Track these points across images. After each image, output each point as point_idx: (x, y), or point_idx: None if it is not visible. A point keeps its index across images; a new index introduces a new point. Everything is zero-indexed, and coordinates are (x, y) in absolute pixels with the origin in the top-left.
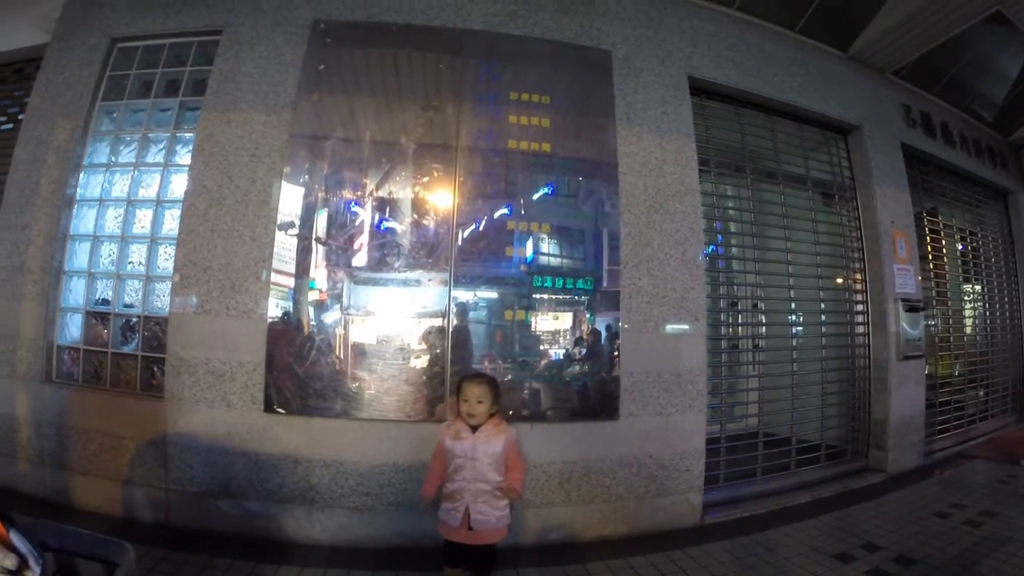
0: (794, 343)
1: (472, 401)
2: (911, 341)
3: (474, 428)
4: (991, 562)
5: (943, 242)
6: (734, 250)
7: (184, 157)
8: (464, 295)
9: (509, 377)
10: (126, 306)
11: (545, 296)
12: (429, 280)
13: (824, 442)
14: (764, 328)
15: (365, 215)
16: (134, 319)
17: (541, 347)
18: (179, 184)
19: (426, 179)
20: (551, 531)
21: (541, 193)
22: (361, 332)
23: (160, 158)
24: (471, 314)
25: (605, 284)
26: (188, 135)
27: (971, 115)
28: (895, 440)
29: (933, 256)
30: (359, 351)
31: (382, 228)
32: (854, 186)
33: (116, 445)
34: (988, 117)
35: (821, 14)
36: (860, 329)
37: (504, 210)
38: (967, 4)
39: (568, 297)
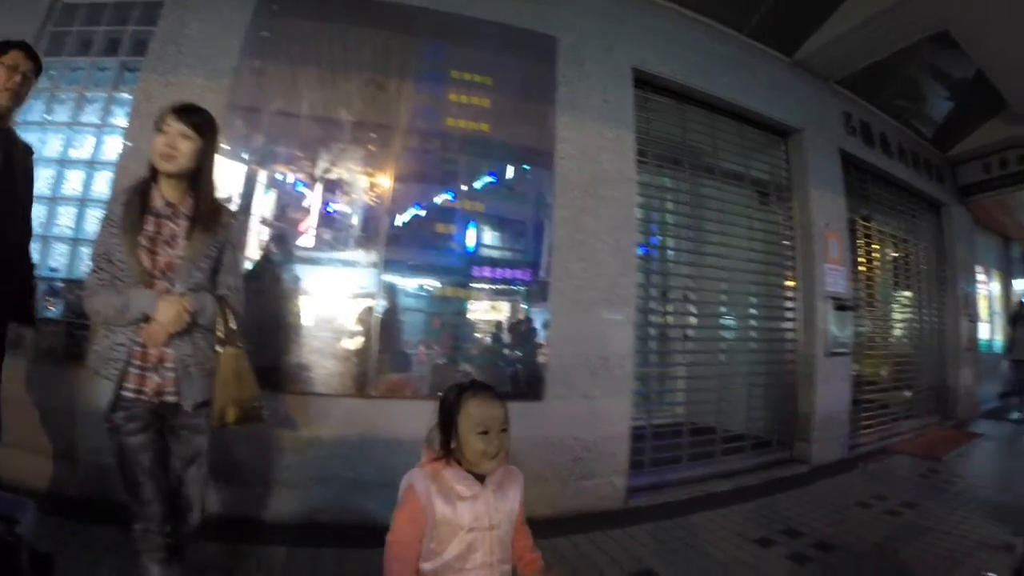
0: (723, 335)
1: (495, 431)
2: (838, 338)
3: (479, 477)
4: (911, 550)
5: (876, 248)
6: (669, 241)
7: (120, 119)
8: (395, 277)
9: (443, 361)
10: (51, 270)
11: (478, 280)
12: (360, 261)
13: (750, 432)
14: (694, 319)
15: (300, 191)
16: (59, 284)
17: (474, 331)
18: (113, 146)
19: (363, 158)
20: None
21: (477, 176)
22: (293, 309)
23: (96, 118)
24: (402, 296)
25: (538, 269)
26: (126, 96)
27: (911, 129)
28: (820, 433)
29: (866, 261)
30: (291, 327)
31: (318, 206)
32: (791, 187)
33: (44, 417)
34: (927, 133)
35: (770, 19)
36: (790, 325)
37: (439, 193)
38: (913, 20)
39: (503, 282)
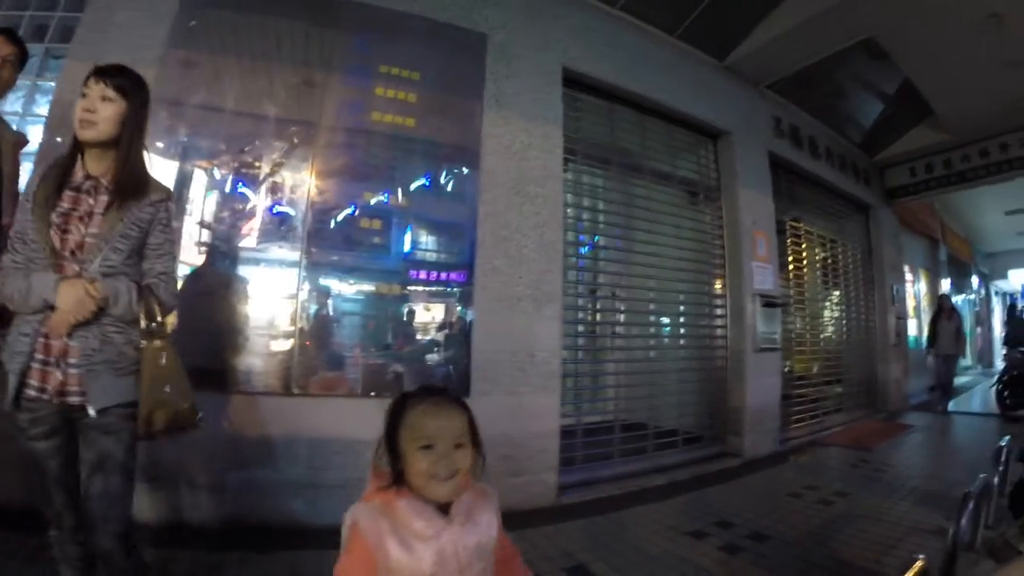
0: (653, 332)
1: (444, 445)
2: (767, 335)
3: (442, 507)
4: (843, 537)
5: (806, 248)
6: (598, 239)
7: (43, 107)
8: (317, 274)
9: (371, 361)
10: None
11: (403, 277)
12: (282, 258)
13: (681, 428)
14: (623, 316)
15: (222, 187)
16: None
17: (400, 328)
18: (35, 136)
19: (286, 153)
20: None
21: (402, 172)
22: (211, 305)
23: (18, 107)
24: (326, 294)
25: (465, 266)
26: (50, 84)
27: (840, 133)
28: (751, 427)
29: (795, 261)
30: (209, 324)
31: (239, 202)
32: (719, 187)
33: None
34: (856, 138)
35: (701, 23)
36: (719, 322)
37: (363, 189)
38: (841, 28)
39: (430, 279)
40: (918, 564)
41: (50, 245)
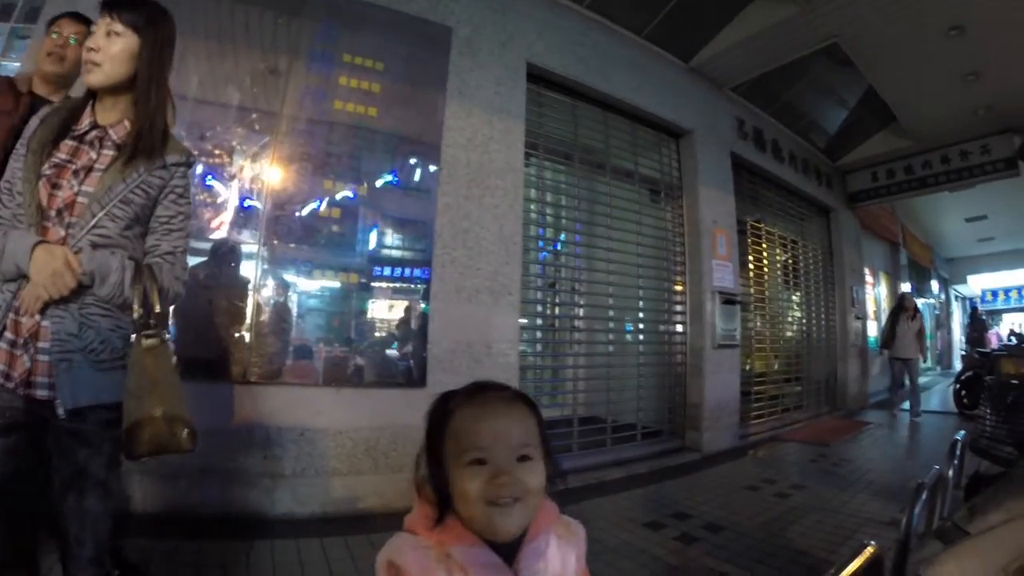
0: (612, 326)
1: (503, 456)
2: (726, 331)
3: (501, 545)
4: (798, 528)
5: (767, 248)
6: (559, 234)
7: None
8: (275, 264)
9: (327, 350)
10: None
11: (362, 266)
12: (239, 250)
13: (640, 422)
14: (583, 311)
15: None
16: None
17: (359, 317)
18: None
19: (247, 143)
20: (358, 500)
21: (362, 162)
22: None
23: None
24: (282, 284)
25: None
26: (15, 64)
27: (803, 137)
28: (710, 422)
29: (756, 261)
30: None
31: (197, 191)
32: (681, 186)
33: None
34: (819, 142)
35: (668, 24)
36: (679, 318)
37: (322, 178)
38: (804, 33)
39: (392, 272)
40: (868, 550)
41: (36, 200)
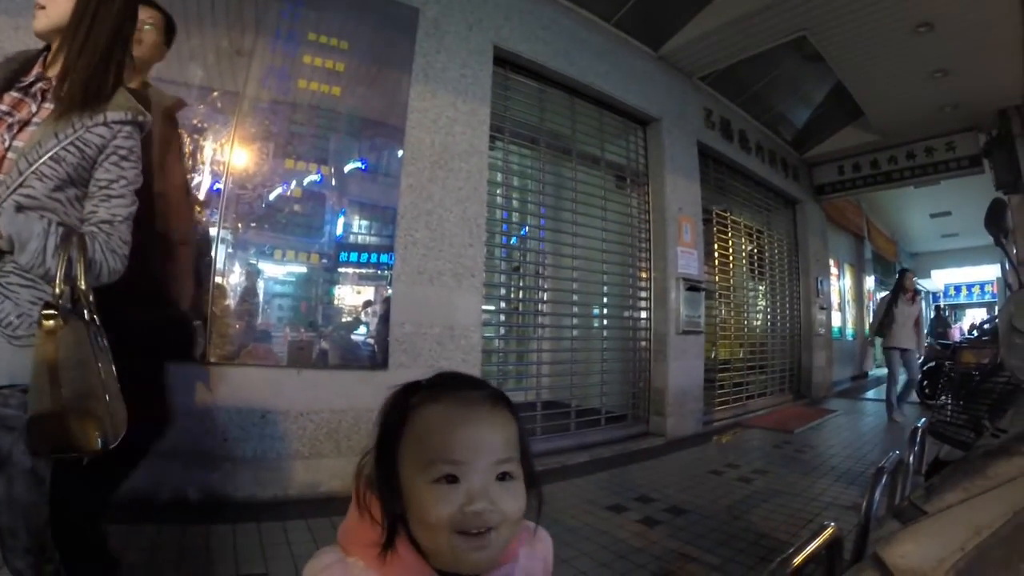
0: (576, 311)
1: (481, 474)
2: (690, 318)
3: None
4: (760, 511)
5: (732, 238)
6: (524, 218)
7: None
8: (235, 249)
9: (297, 337)
10: None
11: (322, 248)
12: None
13: (604, 407)
14: (547, 295)
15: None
16: None
17: (320, 298)
18: None
19: (207, 121)
20: (320, 484)
21: (325, 141)
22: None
23: None
24: (241, 264)
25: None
26: None
27: (771, 129)
28: (674, 407)
29: (722, 249)
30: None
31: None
32: (647, 173)
33: None
34: (787, 135)
35: (637, 12)
36: (643, 304)
37: (282, 156)
38: (772, 25)
39: (358, 258)
40: (828, 531)
41: None
